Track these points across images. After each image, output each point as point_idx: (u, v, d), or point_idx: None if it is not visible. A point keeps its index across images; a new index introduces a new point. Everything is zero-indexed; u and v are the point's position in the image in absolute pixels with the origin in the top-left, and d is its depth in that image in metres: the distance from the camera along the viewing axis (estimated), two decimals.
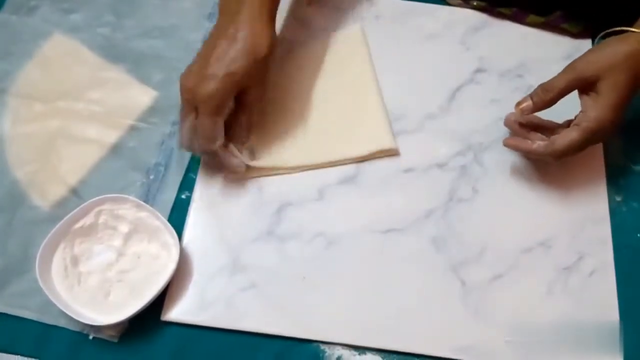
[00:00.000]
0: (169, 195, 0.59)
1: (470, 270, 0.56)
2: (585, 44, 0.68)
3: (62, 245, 0.54)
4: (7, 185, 0.59)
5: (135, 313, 0.51)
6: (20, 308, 0.54)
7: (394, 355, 0.53)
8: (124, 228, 0.55)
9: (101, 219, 0.55)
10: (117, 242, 0.55)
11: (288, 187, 0.60)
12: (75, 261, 0.54)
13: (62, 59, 0.66)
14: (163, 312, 0.54)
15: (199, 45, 0.66)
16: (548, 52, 0.67)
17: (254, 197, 0.59)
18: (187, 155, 0.61)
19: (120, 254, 0.55)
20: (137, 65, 0.66)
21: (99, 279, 0.54)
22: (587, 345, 0.53)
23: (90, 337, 0.53)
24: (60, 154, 0.61)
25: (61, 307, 0.50)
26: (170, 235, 0.54)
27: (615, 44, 0.54)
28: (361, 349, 0.53)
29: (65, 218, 0.54)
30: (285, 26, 0.68)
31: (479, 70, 0.66)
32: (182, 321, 0.54)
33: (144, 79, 0.65)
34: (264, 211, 0.58)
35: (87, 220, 0.55)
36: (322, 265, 0.56)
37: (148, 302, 0.51)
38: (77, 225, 0.55)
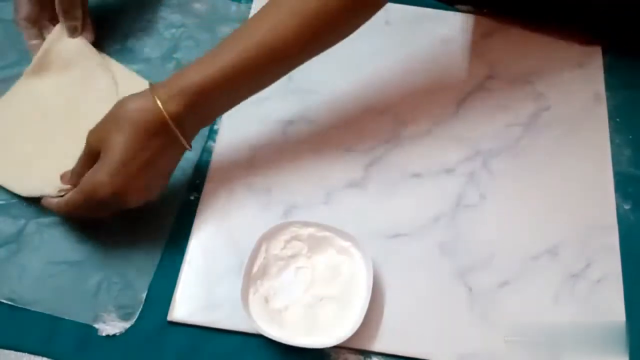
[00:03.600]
0: (177, 195, 0.59)
1: (477, 276, 0.56)
2: (595, 52, 0.68)
3: (251, 292, 0.53)
4: None
5: (363, 314, 0.51)
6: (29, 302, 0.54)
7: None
8: (293, 254, 0.55)
9: (270, 255, 0.55)
10: (294, 269, 0.55)
11: (295, 190, 0.60)
12: (267, 302, 0.53)
13: (72, 58, 0.66)
14: (169, 312, 0.54)
15: (209, 46, 0.67)
16: (558, 59, 0.67)
17: (261, 199, 0.59)
18: (195, 157, 0.61)
19: (303, 279, 0.54)
20: (147, 65, 0.66)
21: (299, 308, 0.53)
22: (593, 352, 0.53)
23: (101, 334, 0.53)
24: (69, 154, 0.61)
25: (291, 344, 0.50)
26: (342, 238, 0.54)
27: (121, 104, 0.51)
28: (367, 353, 0.53)
29: (244, 270, 0.53)
30: None
31: (488, 77, 0.66)
32: (189, 322, 0.54)
33: (156, 80, 0.65)
34: (271, 213, 0.58)
35: (259, 262, 0.54)
36: None
37: (368, 301, 0.51)
38: (255, 270, 0.54)
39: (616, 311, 0.55)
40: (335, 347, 0.52)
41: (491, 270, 0.56)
